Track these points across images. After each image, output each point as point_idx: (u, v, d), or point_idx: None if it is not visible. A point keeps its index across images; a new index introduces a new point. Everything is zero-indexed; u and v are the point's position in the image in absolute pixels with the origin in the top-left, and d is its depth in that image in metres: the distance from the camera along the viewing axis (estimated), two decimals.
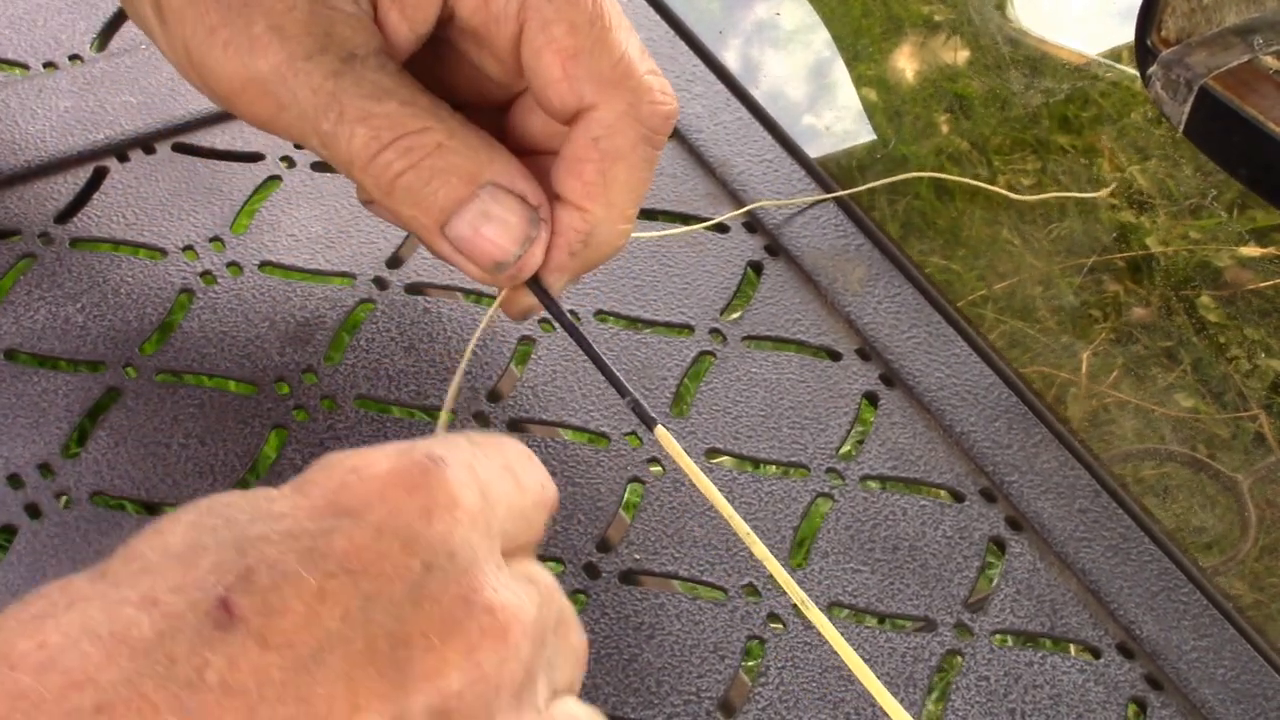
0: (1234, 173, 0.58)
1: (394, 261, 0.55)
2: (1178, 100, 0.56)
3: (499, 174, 0.42)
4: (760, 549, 0.40)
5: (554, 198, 0.44)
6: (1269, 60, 0.56)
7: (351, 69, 0.41)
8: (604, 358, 0.43)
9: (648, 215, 0.59)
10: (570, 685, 0.34)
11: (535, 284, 0.44)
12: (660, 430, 0.41)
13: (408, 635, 0.29)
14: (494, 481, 0.32)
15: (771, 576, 0.50)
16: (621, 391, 0.42)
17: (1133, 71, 0.60)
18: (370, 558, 0.29)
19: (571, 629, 0.34)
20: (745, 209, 0.60)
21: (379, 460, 0.31)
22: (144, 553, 0.30)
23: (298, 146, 0.57)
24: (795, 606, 0.50)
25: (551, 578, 0.34)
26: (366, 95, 0.41)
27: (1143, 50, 0.58)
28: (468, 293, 0.55)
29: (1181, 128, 0.57)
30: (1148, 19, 0.58)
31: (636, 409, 0.42)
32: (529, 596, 0.31)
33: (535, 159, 0.44)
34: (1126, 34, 0.60)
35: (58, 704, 0.27)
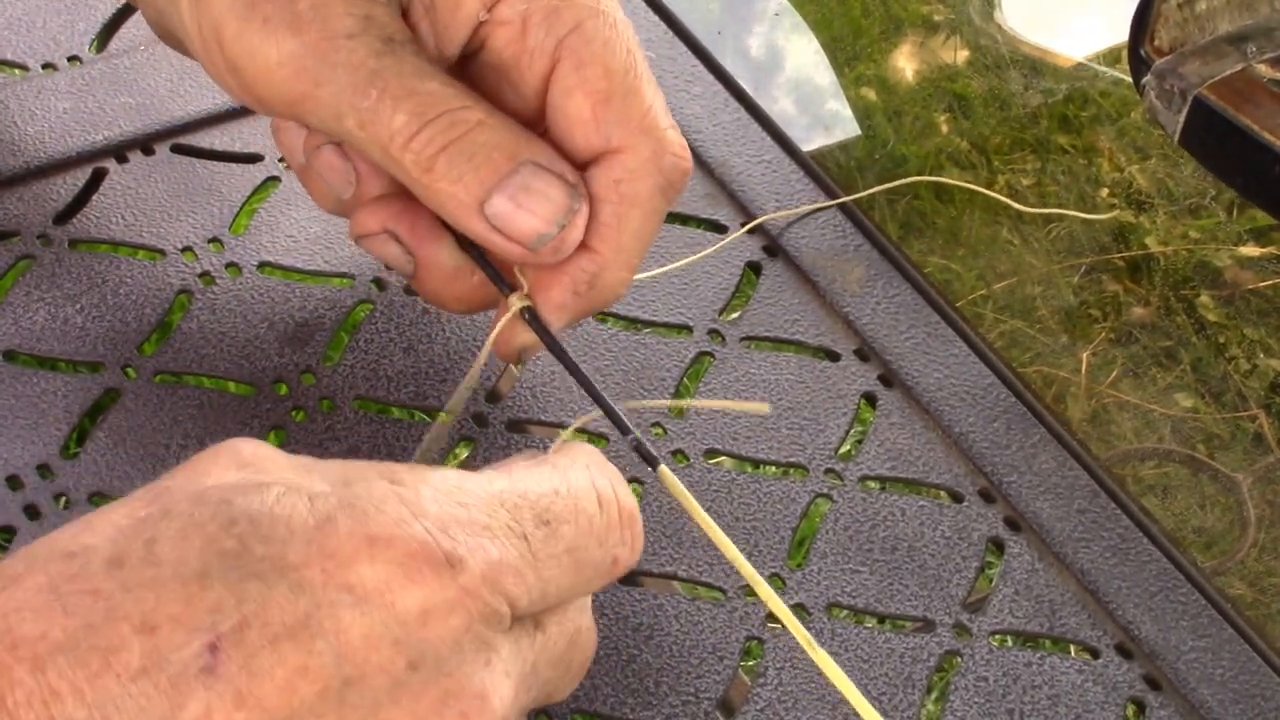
0: (1230, 182, 0.58)
1: None
2: (1172, 110, 0.56)
3: (537, 153, 0.42)
4: (765, 590, 0.40)
5: None
6: (1262, 69, 0.56)
7: (392, 50, 0.42)
8: (605, 396, 0.43)
9: None
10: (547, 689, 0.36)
11: (535, 320, 0.44)
12: (663, 470, 0.41)
13: None
14: (545, 566, 0.34)
15: (771, 577, 0.51)
16: (623, 429, 0.42)
17: (1127, 78, 0.60)
18: (359, 647, 0.30)
19: (577, 652, 0.36)
20: (753, 223, 0.60)
21: (399, 541, 0.31)
22: (161, 555, 0.30)
23: None
24: (797, 610, 0.50)
25: (585, 618, 0.36)
26: (410, 74, 0.42)
27: (1136, 60, 0.58)
28: None
29: (1176, 137, 0.57)
30: (1141, 28, 0.58)
31: (638, 448, 0.42)
32: (514, 675, 0.33)
33: None
34: (1123, 35, 0.60)
35: (40, 710, 0.28)
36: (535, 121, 0.46)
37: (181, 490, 0.33)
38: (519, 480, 0.35)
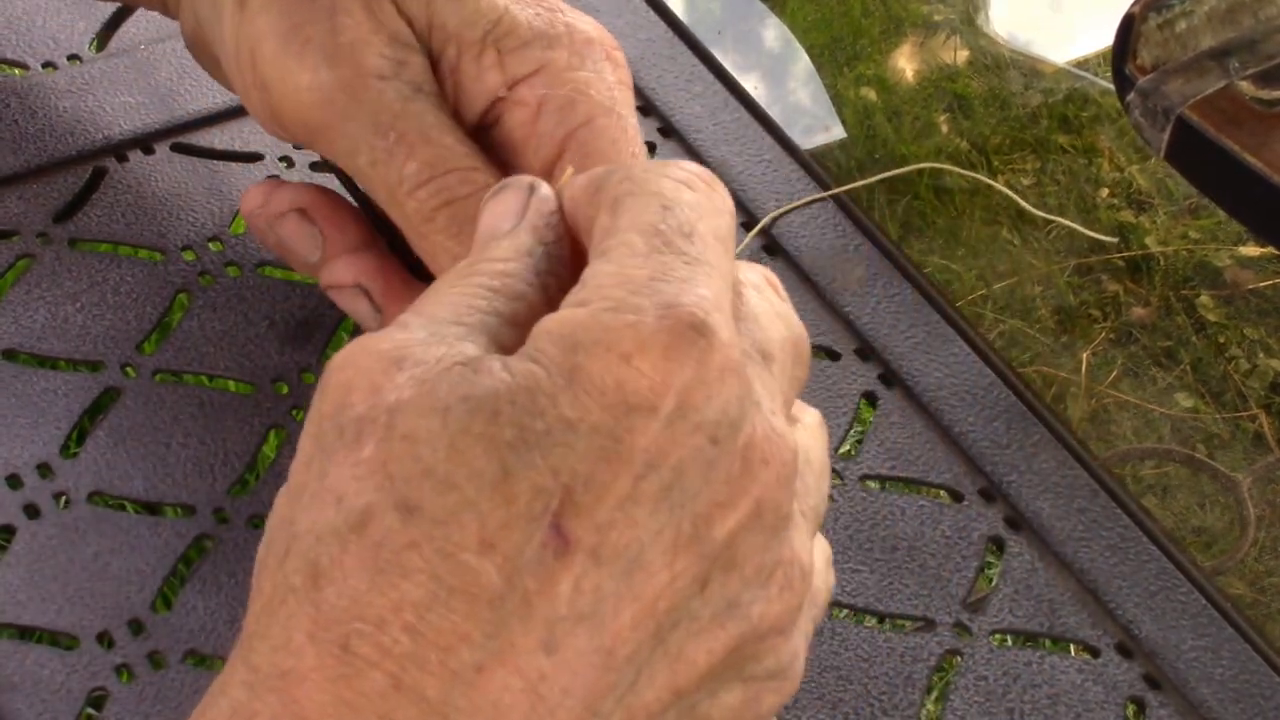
0: (1216, 200, 0.58)
1: None
2: (1156, 128, 0.56)
3: None
4: None
5: None
6: (1245, 86, 0.56)
7: (419, 98, 0.43)
8: None
9: None
10: (817, 511, 0.36)
11: None
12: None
13: (706, 511, 0.31)
14: (762, 318, 0.35)
15: None
16: None
17: (1112, 85, 0.60)
18: (667, 448, 0.31)
19: (823, 478, 0.37)
20: (760, 225, 0.60)
21: (649, 342, 0.31)
22: (452, 477, 0.30)
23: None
24: None
25: (815, 413, 0.37)
26: (431, 124, 0.43)
27: (1120, 78, 0.58)
28: None
29: (1162, 154, 0.56)
30: (1123, 47, 0.58)
31: None
32: (800, 430, 0.35)
33: None
34: (1109, 39, 0.60)
35: (442, 666, 0.29)
36: None
37: (401, 412, 0.31)
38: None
